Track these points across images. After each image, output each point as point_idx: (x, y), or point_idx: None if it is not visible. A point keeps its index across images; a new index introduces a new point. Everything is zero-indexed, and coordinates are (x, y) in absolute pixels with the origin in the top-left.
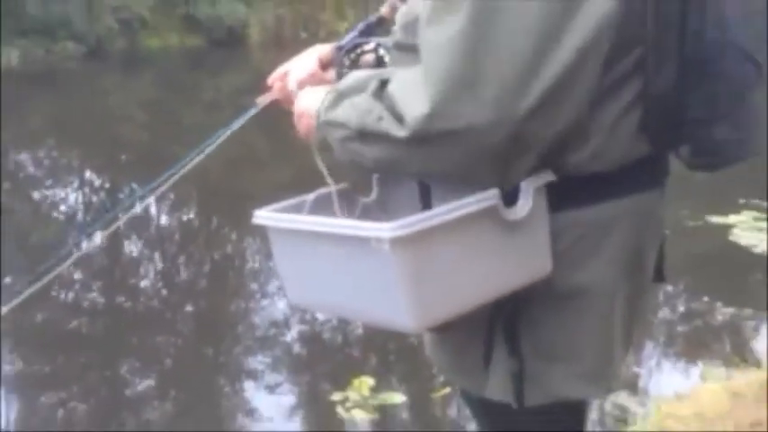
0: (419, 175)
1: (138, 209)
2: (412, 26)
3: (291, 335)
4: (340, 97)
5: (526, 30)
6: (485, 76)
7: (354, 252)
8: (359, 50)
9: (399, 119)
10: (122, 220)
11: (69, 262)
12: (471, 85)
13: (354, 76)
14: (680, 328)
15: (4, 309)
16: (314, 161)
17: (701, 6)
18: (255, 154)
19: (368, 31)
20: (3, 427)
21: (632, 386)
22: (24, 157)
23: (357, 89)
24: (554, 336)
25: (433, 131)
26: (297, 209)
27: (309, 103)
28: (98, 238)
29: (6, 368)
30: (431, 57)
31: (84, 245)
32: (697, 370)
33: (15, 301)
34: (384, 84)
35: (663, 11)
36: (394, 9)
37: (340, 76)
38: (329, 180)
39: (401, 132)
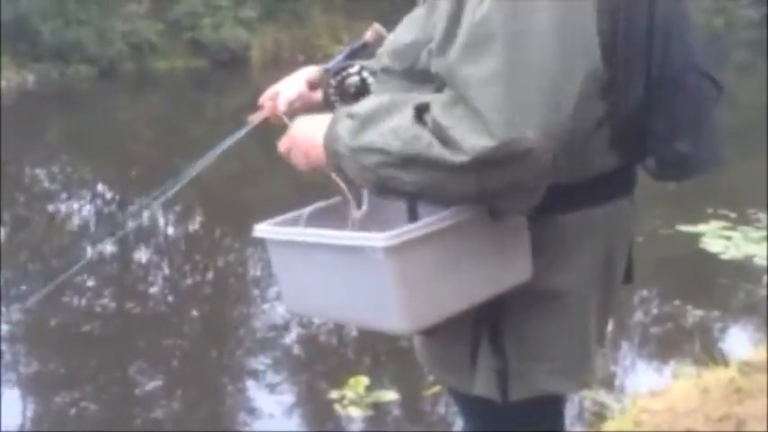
0: (462, 197)
1: (142, 219)
2: (399, 53)
3: (290, 337)
4: (366, 123)
5: (552, 56)
6: (532, 101)
7: (349, 261)
8: (344, 73)
9: (454, 146)
10: (127, 229)
11: (78, 266)
12: (523, 111)
13: (374, 102)
14: (653, 330)
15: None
16: (308, 178)
17: (665, 33)
18: (255, 170)
19: (352, 56)
20: (20, 424)
21: (610, 384)
22: (40, 171)
23: (384, 114)
24: (535, 334)
25: (497, 157)
26: (294, 222)
27: (313, 131)
28: (102, 246)
29: (23, 369)
30: (478, 90)
31: (89, 251)
32: (669, 368)
33: (37, 296)
34: (420, 110)
35: (631, 37)
36: (377, 34)
37: (327, 96)
38: (348, 194)
39: (459, 158)
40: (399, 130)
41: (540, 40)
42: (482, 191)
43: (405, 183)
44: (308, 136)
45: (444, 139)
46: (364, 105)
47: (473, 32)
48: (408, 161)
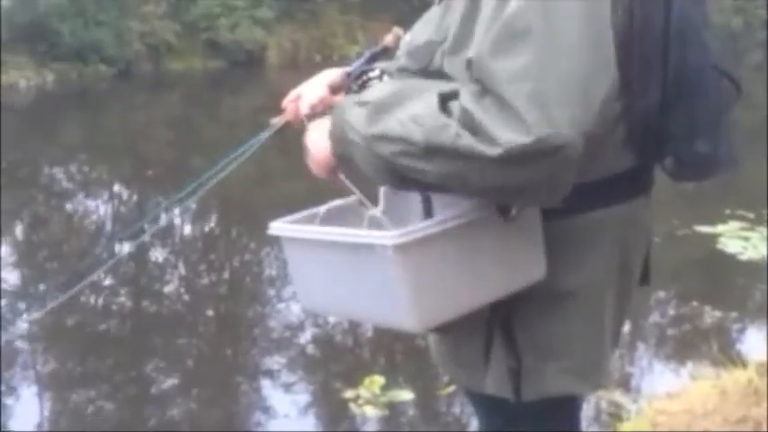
0: (483, 190)
1: (163, 221)
2: (414, 53)
3: (306, 337)
4: (381, 110)
5: (584, 54)
6: (565, 98)
7: (360, 258)
8: (365, 77)
9: (487, 138)
10: (149, 233)
11: (101, 270)
12: (557, 107)
13: (387, 88)
14: (671, 331)
15: (37, 314)
16: (322, 180)
17: (682, 31)
18: (270, 170)
19: (373, 59)
20: (37, 423)
21: (626, 385)
22: (58, 170)
23: (401, 100)
24: (549, 334)
25: (530, 153)
26: (309, 220)
27: (319, 133)
28: (126, 247)
29: (40, 368)
30: (511, 84)
31: (115, 252)
32: (687, 369)
33: (50, 305)
34: (445, 98)
35: (647, 35)
36: (397, 38)
37: None
38: (361, 196)
39: (493, 151)
40: (422, 117)
41: (572, 38)
42: (505, 185)
43: (425, 173)
44: (314, 139)
45: (475, 130)
46: (375, 92)
47: (505, 27)
48: (432, 151)
